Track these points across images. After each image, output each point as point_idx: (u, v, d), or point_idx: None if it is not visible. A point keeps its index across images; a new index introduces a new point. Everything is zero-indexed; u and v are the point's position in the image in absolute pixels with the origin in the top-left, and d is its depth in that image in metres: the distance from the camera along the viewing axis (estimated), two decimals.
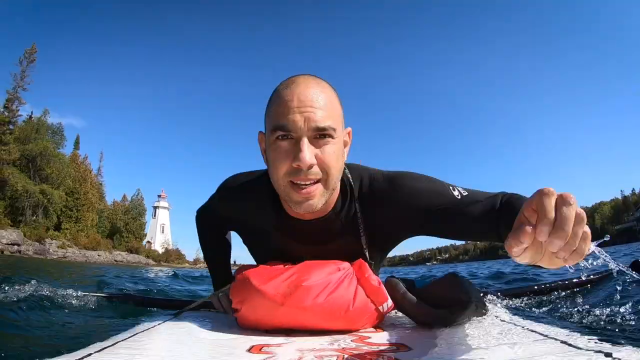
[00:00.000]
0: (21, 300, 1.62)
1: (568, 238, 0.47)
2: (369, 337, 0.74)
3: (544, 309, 1.62)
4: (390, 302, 0.86)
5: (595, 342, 0.54)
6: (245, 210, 1.02)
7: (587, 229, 0.48)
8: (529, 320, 0.79)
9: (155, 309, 1.75)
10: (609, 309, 1.32)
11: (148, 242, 60.25)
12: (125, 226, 50.03)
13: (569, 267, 0.50)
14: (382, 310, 0.85)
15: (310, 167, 0.77)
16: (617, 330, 1.14)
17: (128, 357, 0.55)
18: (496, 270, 5.55)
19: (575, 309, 1.42)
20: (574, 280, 1.85)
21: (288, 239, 0.96)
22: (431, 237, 1.02)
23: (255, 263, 1.06)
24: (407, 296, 0.87)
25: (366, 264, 0.88)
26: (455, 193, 0.85)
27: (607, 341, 0.55)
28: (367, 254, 0.94)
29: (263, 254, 1.03)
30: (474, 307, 0.79)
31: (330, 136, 0.78)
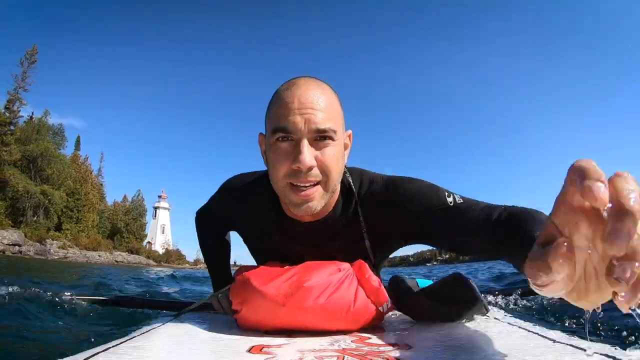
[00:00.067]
0: (21, 304, 1.62)
1: None
2: (369, 338, 0.74)
3: (542, 307, 1.61)
4: (390, 302, 0.86)
5: (597, 343, 0.54)
6: (245, 211, 1.02)
7: None
8: (529, 323, 0.79)
9: (155, 310, 1.75)
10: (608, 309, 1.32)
11: (148, 242, 60.34)
12: (125, 227, 50.17)
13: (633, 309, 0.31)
14: (382, 311, 0.85)
15: (310, 169, 0.77)
16: (617, 330, 1.13)
17: (128, 358, 0.55)
18: (497, 271, 5.54)
19: (576, 309, 1.41)
20: None
21: (288, 240, 0.96)
22: None
23: (255, 264, 1.06)
24: (412, 292, 0.88)
25: (366, 265, 0.88)
26: (450, 199, 0.83)
27: (607, 341, 0.55)
28: (370, 255, 0.95)
29: (263, 255, 1.04)
30: (480, 305, 0.80)
31: (331, 138, 0.78)
